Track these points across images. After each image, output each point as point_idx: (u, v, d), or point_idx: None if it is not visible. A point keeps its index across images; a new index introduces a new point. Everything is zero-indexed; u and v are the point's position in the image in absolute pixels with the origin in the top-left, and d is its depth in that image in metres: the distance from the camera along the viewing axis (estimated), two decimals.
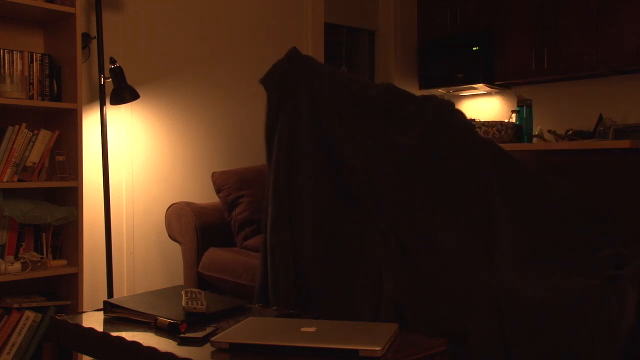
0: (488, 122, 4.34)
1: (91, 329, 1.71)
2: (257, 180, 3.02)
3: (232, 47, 3.57)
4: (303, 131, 2.01)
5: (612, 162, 2.49)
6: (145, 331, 1.67)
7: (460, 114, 2.28)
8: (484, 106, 5.09)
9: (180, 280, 3.12)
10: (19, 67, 2.57)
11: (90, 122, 2.95)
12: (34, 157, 2.55)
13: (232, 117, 3.56)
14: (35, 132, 2.56)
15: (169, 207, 3.07)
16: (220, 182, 3.01)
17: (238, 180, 2.99)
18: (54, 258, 2.66)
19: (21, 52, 2.58)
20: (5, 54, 2.54)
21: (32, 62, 2.60)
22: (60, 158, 2.65)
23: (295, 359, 1.39)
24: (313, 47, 3.98)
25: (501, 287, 1.78)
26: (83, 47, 2.83)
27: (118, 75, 2.87)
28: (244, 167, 3.16)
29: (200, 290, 1.88)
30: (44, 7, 2.56)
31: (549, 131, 4.38)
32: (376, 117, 2.12)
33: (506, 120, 4.45)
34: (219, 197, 3.01)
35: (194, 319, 1.70)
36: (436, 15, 5.02)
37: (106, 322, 1.79)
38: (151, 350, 1.51)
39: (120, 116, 3.09)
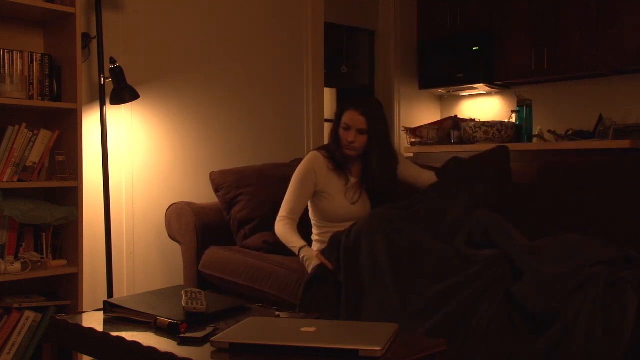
0: (488, 122, 4.34)
1: (91, 329, 1.71)
2: (256, 179, 3.02)
3: (232, 47, 3.57)
4: None
5: (612, 162, 2.49)
6: (145, 331, 1.67)
7: None
8: (484, 106, 5.09)
9: (180, 280, 3.12)
10: (19, 67, 2.56)
11: (90, 122, 2.95)
12: (34, 157, 2.55)
13: (232, 117, 3.56)
14: (35, 132, 2.56)
15: (169, 207, 3.07)
16: (219, 181, 3.01)
17: (236, 179, 3.00)
18: (54, 258, 2.66)
19: (21, 52, 2.58)
20: (5, 54, 2.54)
21: (32, 62, 2.60)
22: (60, 158, 2.65)
23: (295, 359, 1.39)
24: (313, 47, 3.98)
25: None
26: (83, 47, 2.83)
27: (118, 75, 2.87)
28: (242, 167, 3.17)
29: (200, 290, 1.88)
30: (44, 7, 2.56)
31: (549, 131, 4.38)
32: None
33: (506, 120, 4.46)
34: (217, 196, 3.01)
35: (194, 319, 1.70)
36: (436, 15, 5.01)
37: (106, 322, 1.79)
38: (151, 350, 1.51)
39: (120, 116, 3.09)
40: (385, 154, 2.57)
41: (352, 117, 2.51)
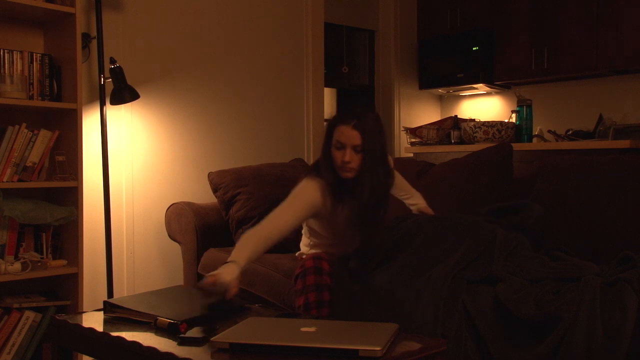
0: (488, 122, 4.33)
1: (91, 329, 1.71)
2: (254, 178, 3.02)
3: (232, 47, 3.57)
4: None
5: (612, 162, 2.49)
6: (145, 331, 1.67)
7: None
8: (484, 106, 5.09)
9: (180, 280, 3.12)
10: (19, 67, 2.57)
11: (90, 122, 2.95)
12: (34, 157, 2.55)
13: (232, 116, 3.56)
14: (35, 132, 2.56)
15: (169, 207, 3.07)
16: (217, 181, 3.01)
17: (234, 179, 3.00)
18: (54, 258, 2.66)
19: (21, 52, 2.58)
20: (5, 54, 2.54)
21: (32, 62, 2.60)
22: (60, 158, 2.65)
23: (295, 359, 1.39)
24: (313, 47, 3.98)
25: None
26: (83, 47, 2.83)
27: (118, 75, 2.87)
28: (240, 167, 3.17)
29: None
30: (44, 7, 2.56)
31: (549, 131, 4.37)
32: None
33: (506, 120, 4.45)
34: (216, 196, 3.01)
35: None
36: (436, 15, 5.01)
37: (106, 322, 1.80)
38: (151, 350, 1.51)
39: (120, 116, 3.09)
40: (380, 173, 2.20)
41: (344, 133, 2.13)
